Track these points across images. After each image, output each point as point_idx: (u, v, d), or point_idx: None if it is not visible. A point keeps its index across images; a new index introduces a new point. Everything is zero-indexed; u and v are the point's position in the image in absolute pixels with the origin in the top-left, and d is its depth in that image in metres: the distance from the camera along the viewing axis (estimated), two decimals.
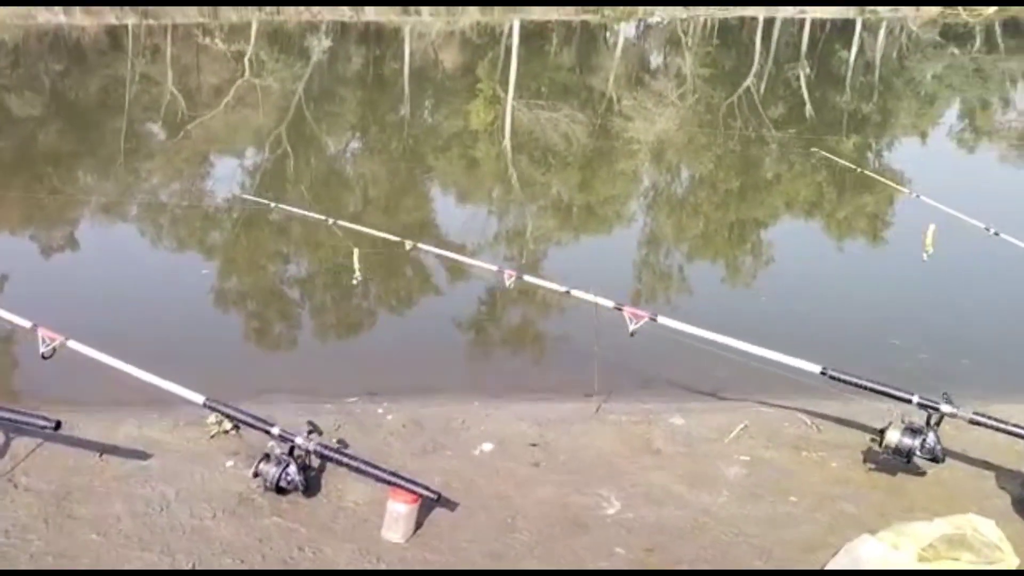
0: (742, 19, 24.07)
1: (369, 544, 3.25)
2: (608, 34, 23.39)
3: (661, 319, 3.92)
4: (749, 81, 17.80)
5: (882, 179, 7.25)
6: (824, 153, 9.27)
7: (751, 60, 19.76)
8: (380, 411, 4.23)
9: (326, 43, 20.88)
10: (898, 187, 6.23)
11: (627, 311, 3.90)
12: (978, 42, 20.30)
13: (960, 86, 16.86)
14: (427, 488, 3.28)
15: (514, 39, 21.35)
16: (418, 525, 3.32)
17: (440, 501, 3.33)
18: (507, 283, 4.23)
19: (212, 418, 3.90)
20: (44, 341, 3.63)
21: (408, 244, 4.78)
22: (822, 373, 3.62)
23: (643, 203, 9.65)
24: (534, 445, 3.91)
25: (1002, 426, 3.41)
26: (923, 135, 13.70)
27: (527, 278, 4.36)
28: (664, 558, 3.22)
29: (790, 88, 17.93)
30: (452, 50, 21.95)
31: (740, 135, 12.54)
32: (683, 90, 17.55)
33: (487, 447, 3.90)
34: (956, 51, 19.15)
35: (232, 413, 3.54)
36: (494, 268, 4.52)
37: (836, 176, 9.49)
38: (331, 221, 5.38)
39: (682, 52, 21.29)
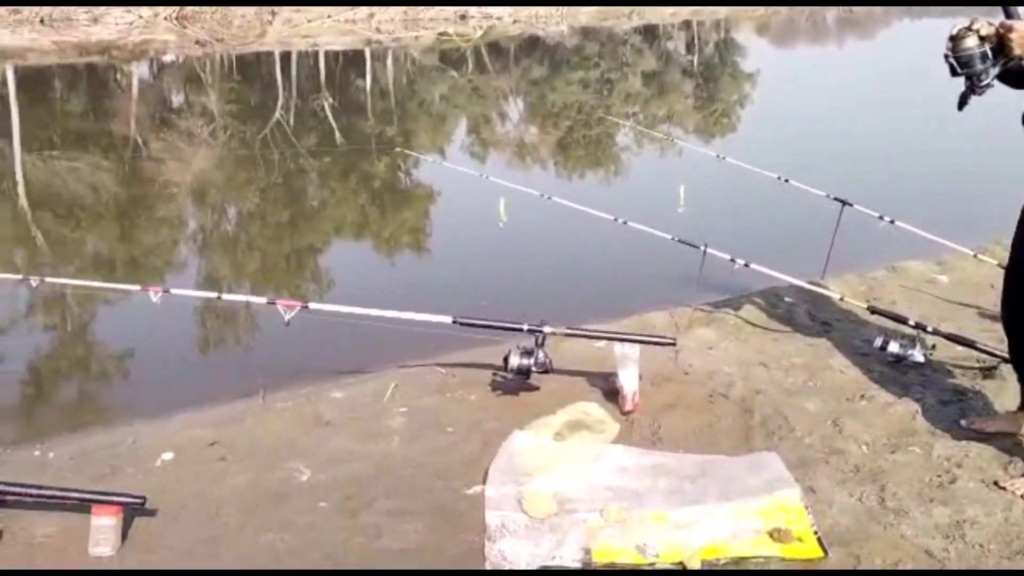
0: (258, 54, 24.72)
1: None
2: (119, 76, 22.38)
3: (312, 305, 4.40)
4: (278, 114, 18.41)
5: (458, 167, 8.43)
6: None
7: (276, 94, 20.42)
8: (37, 453, 4.08)
9: None
10: (469, 170, 7.38)
11: (280, 303, 4.29)
12: (471, 65, 23.40)
13: (464, 104, 19.36)
14: (130, 496, 3.39)
15: (10, 87, 19.49)
16: (124, 537, 3.40)
17: (141, 509, 3.44)
18: (154, 299, 4.33)
19: None
20: None
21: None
22: (454, 322, 4.40)
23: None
24: (213, 444, 4.12)
25: (588, 334, 4.51)
26: (442, 151, 15.48)
27: (175, 291, 4.50)
28: (361, 499, 3.71)
29: (317, 118, 18.89)
30: None
31: (287, 160, 13.05)
32: (213, 127, 17.57)
33: (167, 456, 4.02)
34: (455, 74, 21.86)
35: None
36: (137, 288, 4.54)
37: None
38: None
39: (204, 90, 21.22)
